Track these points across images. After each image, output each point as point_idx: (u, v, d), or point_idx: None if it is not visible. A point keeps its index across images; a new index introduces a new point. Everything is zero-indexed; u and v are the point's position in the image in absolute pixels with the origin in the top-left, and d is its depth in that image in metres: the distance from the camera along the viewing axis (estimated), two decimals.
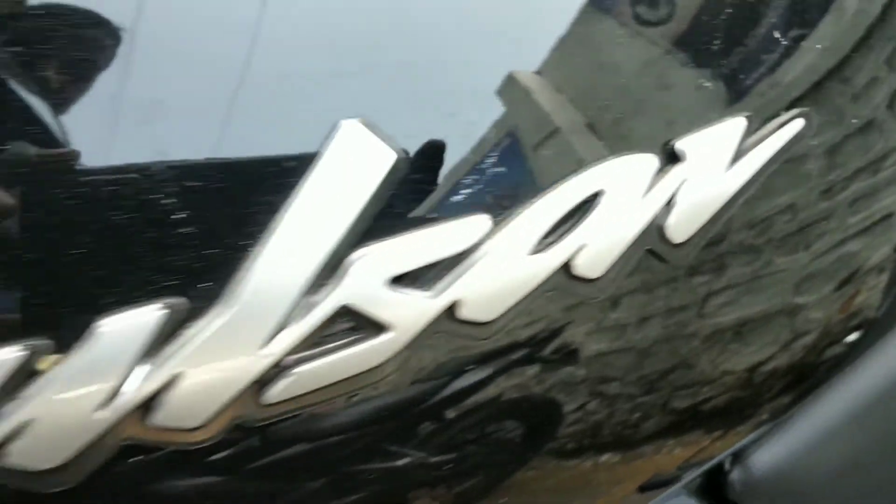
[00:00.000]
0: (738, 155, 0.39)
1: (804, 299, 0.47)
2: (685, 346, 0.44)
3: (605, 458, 0.45)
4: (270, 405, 0.30)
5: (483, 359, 0.37)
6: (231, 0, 0.30)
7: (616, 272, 0.36)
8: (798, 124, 0.40)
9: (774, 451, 0.59)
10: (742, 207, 0.41)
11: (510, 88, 0.34)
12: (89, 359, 0.26)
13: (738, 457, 0.59)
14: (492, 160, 0.34)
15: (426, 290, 0.31)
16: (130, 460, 0.29)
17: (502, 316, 0.34)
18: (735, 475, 0.59)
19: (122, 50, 0.27)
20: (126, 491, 0.31)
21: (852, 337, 0.52)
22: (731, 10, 0.39)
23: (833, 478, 0.60)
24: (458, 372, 0.36)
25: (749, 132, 0.39)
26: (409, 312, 0.31)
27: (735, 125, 0.38)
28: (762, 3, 0.40)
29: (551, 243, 0.34)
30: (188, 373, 0.27)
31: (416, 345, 0.32)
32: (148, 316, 0.27)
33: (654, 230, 0.37)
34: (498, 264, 0.32)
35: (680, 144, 0.36)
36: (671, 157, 0.36)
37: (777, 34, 0.41)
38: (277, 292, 0.29)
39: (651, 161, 0.36)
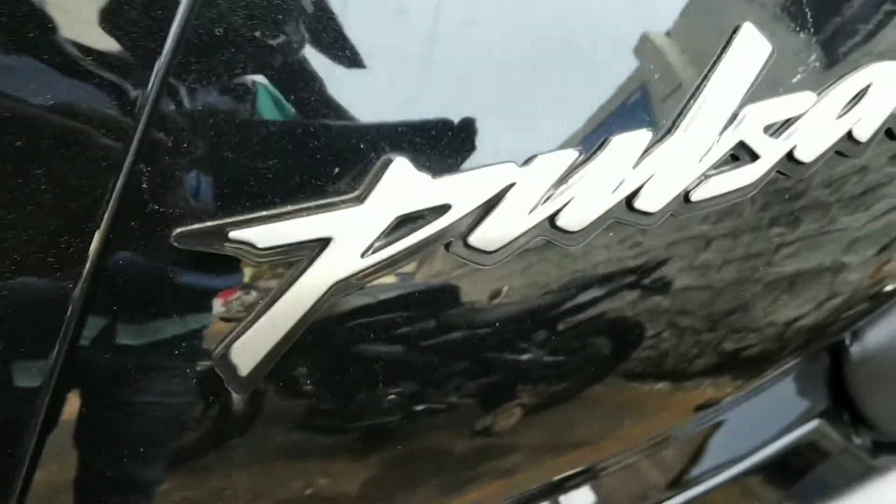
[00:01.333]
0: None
1: (850, 259, 0.51)
2: (749, 290, 0.47)
3: (659, 385, 0.49)
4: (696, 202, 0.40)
5: (599, 280, 0.41)
6: None
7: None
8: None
9: (886, 328, 0.63)
10: (824, 166, 0.45)
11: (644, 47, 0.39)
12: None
13: (856, 332, 0.64)
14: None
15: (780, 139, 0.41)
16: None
17: None
18: (854, 348, 0.63)
19: None
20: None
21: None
22: None
23: None
24: (581, 288, 0.41)
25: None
26: (774, 149, 0.41)
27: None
28: None
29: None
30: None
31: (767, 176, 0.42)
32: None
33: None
34: None
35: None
36: None
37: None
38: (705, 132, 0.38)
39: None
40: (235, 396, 0.36)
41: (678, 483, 0.61)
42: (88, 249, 0.31)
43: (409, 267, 0.36)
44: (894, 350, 0.63)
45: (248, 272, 0.33)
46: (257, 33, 0.31)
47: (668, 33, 0.39)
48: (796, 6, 0.41)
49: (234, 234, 0.32)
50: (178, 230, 0.32)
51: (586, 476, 0.54)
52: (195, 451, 0.38)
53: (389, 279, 0.36)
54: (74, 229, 0.31)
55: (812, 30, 0.41)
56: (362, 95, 0.34)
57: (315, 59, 0.32)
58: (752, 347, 0.51)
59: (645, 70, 0.38)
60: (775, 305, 0.50)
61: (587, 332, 0.43)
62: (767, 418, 0.63)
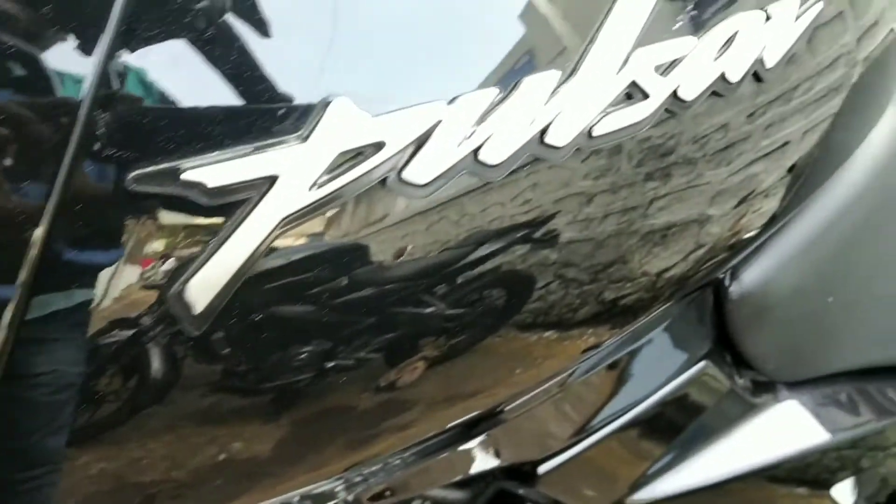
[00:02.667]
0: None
1: (713, 211, 0.55)
2: (626, 243, 0.51)
3: (547, 334, 0.52)
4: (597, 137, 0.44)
5: (495, 235, 0.44)
6: None
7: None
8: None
9: (759, 269, 0.69)
10: (690, 122, 0.49)
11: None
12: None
13: (734, 273, 0.69)
14: None
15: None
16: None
17: None
18: (732, 288, 0.69)
19: None
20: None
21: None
22: None
23: (789, 297, 0.71)
24: (478, 243, 0.44)
25: None
26: (662, 88, 0.45)
27: None
28: None
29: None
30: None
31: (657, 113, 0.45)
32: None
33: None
34: None
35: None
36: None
37: None
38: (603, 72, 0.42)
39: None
40: (153, 362, 0.37)
41: (577, 432, 0.65)
42: (53, 187, 0.32)
43: (320, 226, 0.38)
44: (768, 287, 0.69)
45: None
46: None
47: None
48: None
49: (186, 175, 0.33)
50: (134, 173, 0.33)
51: (485, 425, 0.58)
52: (110, 420, 0.38)
53: (301, 240, 0.38)
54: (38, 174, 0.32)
55: None
56: (300, 43, 0.36)
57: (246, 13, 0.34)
58: (629, 296, 0.56)
59: (549, 20, 0.42)
60: (649, 257, 0.54)
61: (484, 285, 0.46)
62: (658, 363, 0.68)
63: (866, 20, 0.61)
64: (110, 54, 0.32)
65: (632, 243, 0.52)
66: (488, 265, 0.45)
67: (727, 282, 0.68)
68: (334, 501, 0.55)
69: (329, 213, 0.38)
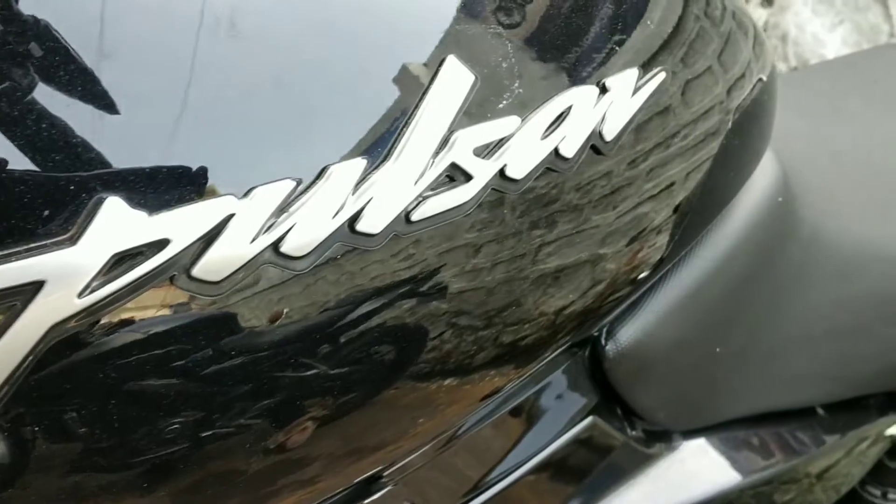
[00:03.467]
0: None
1: (606, 250, 0.56)
2: (519, 287, 0.51)
3: (447, 382, 0.52)
4: (417, 222, 0.43)
5: (377, 292, 0.43)
6: None
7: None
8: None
9: (635, 325, 0.69)
10: (574, 174, 0.50)
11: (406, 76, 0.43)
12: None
13: (610, 332, 0.68)
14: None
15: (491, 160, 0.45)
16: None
17: None
18: (609, 346, 0.68)
19: None
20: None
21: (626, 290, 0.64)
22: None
23: (671, 350, 0.71)
24: (358, 302, 0.43)
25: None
26: (486, 169, 0.45)
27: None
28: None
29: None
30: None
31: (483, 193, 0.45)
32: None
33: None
34: None
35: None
36: None
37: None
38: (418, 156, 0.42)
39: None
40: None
41: (476, 486, 0.65)
42: None
43: (181, 297, 0.37)
44: (647, 343, 0.70)
45: None
46: None
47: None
48: (497, 40, 0.46)
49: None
50: None
51: (390, 476, 0.57)
52: None
53: (160, 311, 0.36)
54: None
55: (513, 60, 0.46)
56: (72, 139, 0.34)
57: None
58: (528, 337, 0.56)
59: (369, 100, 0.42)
60: (544, 297, 0.54)
61: (370, 342, 0.45)
62: (557, 409, 0.68)
63: (733, 73, 0.64)
64: None
65: (524, 287, 0.52)
66: (373, 322, 0.44)
67: (602, 340, 0.69)
68: None
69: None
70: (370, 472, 0.53)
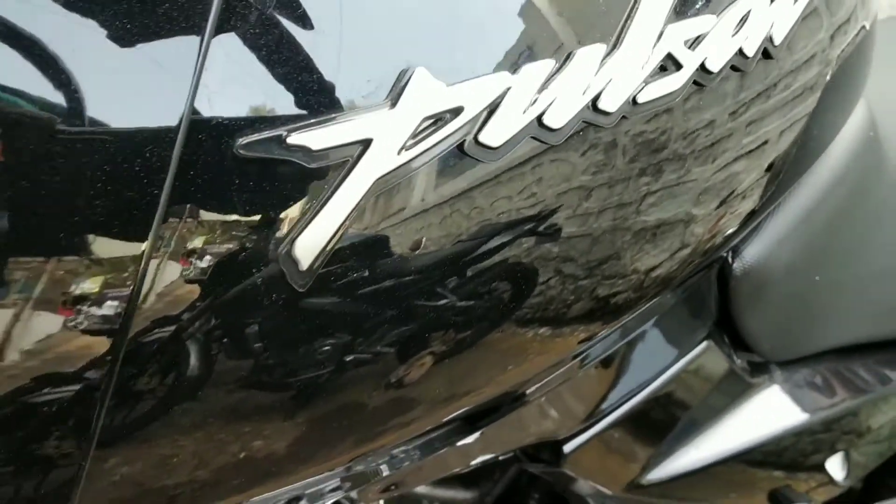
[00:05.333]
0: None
1: (698, 211, 0.58)
2: (620, 239, 0.54)
3: (541, 330, 0.55)
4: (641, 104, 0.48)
5: (504, 227, 0.46)
6: None
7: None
8: None
9: (757, 246, 0.74)
10: (681, 119, 0.51)
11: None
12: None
13: (736, 251, 0.73)
14: None
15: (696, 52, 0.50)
16: None
17: None
18: (736, 264, 0.73)
19: None
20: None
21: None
22: None
23: (783, 274, 0.76)
24: (488, 235, 0.46)
25: None
26: (693, 59, 0.49)
27: None
28: None
29: None
30: None
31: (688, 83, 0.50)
32: None
33: None
34: None
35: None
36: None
37: None
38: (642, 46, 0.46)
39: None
40: (190, 359, 0.39)
41: (594, 412, 0.69)
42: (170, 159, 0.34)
43: (353, 224, 0.40)
44: (766, 264, 0.74)
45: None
46: None
47: None
48: None
49: (291, 139, 0.36)
50: (241, 140, 0.35)
51: (504, 409, 0.61)
52: (146, 419, 0.40)
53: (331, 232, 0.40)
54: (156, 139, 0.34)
55: None
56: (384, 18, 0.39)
57: None
58: (619, 294, 0.58)
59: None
60: (640, 254, 0.56)
61: (492, 278, 0.48)
62: (663, 346, 0.72)
63: (839, 17, 0.64)
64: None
65: (625, 240, 0.54)
66: (496, 258, 0.47)
67: (731, 259, 0.73)
68: (342, 492, 0.58)
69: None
70: (466, 409, 0.57)
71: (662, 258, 0.58)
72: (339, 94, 0.37)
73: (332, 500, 0.59)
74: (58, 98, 0.32)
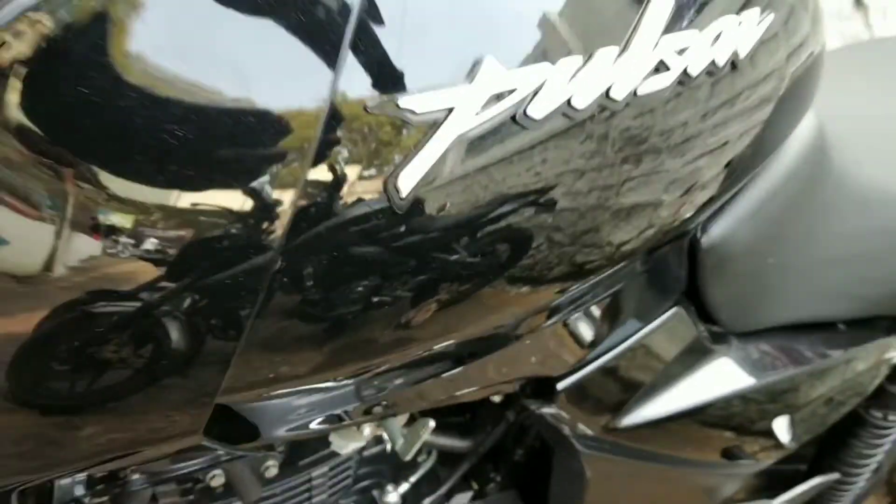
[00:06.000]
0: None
1: (666, 197, 0.67)
2: (601, 215, 0.62)
3: (524, 289, 0.64)
4: (641, 96, 0.58)
5: (512, 197, 0.55)
6: None
7: None
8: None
9: (722, 225, 0.85)
10: (662, 116, 0.61)
11: None
12: None
13: (704, 227, 0.84)
14: None
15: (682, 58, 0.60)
16: None
17: None
18: (703, 238, 0.85)
19: None
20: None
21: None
22: None
23: (742, 253, 0.86)
24: (499, 204, 0.55)
25: None
26: (678, 63, 0.59)
27: None
28: None
29: None
30: None
31: (676, 82, 0.60)
32: None
33: None
34: None
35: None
36: None
37: None
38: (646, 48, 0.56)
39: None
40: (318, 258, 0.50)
41: (578, 361, 0.79)
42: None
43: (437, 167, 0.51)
44: (729, 240, 0.84)
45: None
46: None
47: None
48: None
49: (401, 103, 0.47)
50: (369, 103, 0.46)
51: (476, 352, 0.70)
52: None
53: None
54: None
55: None
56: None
57: None
58: (593, 262, 0.67)
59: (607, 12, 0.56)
60: (615, 230, 0.65)
61: (497, 240, 0.57)
62: (639, 308, 0.82)
63: (794, 41, 0.73)
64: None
65: (604, 217, 0.63)
66: (502, 223, 0.56)
67: (699, 234, 0.82)
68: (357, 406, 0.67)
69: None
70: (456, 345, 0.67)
71: (632, 235, 0.67)
72: (434, 74, 0.48)
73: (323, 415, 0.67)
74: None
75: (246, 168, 0.45)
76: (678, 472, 1.02)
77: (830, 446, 1.27)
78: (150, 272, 0.45)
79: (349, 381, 0.62)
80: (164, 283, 0.46)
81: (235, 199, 0.45)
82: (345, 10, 0.45)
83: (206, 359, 0.50)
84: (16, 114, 0.40)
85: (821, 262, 0.94)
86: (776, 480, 1.23)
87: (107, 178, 0.42)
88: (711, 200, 0.74)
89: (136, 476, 0.66)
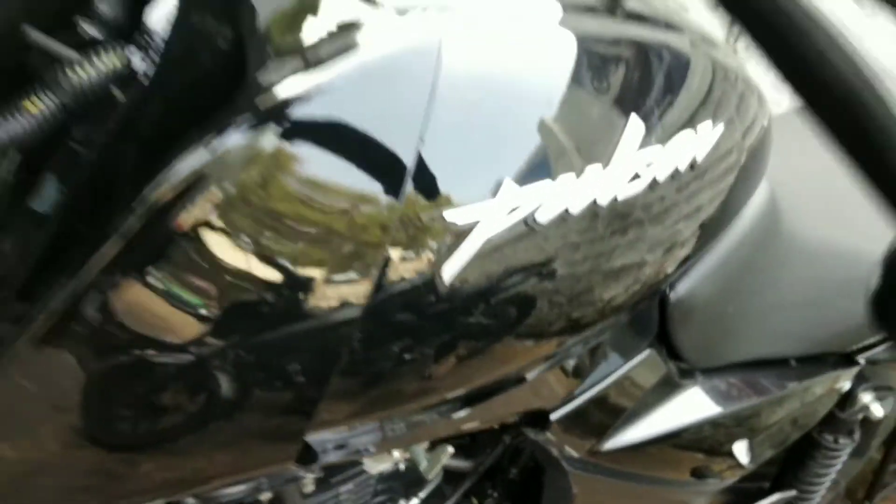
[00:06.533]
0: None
1: (649, 257, 0.74)
2: (594, 278, 0.70)
3: (528, 343, 0.73)
4: (621, 201, 0.68)
5: (521, 269, 0.65)
6: None
7: None
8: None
9: (686, 283, 0.95)
10: (646, 193, 0.69)
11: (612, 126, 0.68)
12: None
13: (672, 286, 0.94)
14: None
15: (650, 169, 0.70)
16: None
17: None
18: (672, 295, 0.95)
19: None
20: None
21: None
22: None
23: (705, 304, 0.97)
24: (509, 275, 0.64)
25: None
26: (648, 173, 0.70)
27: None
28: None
29: None
30: None
31: (644, 189, 0.70)
32: None
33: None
34: None
35: None
36: None
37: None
38: (622, 165, 0.67)
39: None
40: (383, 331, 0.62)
41: (568, 395, 0.88)
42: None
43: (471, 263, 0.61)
44: (691, 296, 0.95)
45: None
46: None
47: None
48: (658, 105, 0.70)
49: (446, 216, 0.58)
50: (423, 216, 0.58)
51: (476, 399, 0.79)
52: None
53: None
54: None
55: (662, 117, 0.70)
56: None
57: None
58: (587, 316, 0.75)
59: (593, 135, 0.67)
60: (605, 289, 0.73)
61: (507, 304, 0.66)
62: (618, 351, 0.93)
63: (746, 122, 0.82)
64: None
65: (597, 279, 0.71)
66: (511, 291, 0.65)
67: (668, 291, 0.93)
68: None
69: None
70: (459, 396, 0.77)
71: (620, 291, 0.75)
72: (469, 193, 0.59)
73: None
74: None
75: (342, 254, 0.57)
76: (654, 490, 1.13)
77: (789, 466, 1.35)
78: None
79: (387, 417, 0.73)
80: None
81: (333, 278, 0.57)
82: (408, 151, 0.57)
83: (294, 406, 0.62)
84: None
85: (774, 307, 1.04)
86: (742, 497, 1.32)
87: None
88: (687, 258, 0.83)
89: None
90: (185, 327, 0.54)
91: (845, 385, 1.24)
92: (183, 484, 0.64)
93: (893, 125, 0.31)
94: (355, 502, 0.99)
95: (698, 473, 1.16)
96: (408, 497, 1.05)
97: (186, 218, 0.51)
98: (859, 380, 1.25)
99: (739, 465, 1.17)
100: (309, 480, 0.89)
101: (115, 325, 0.52)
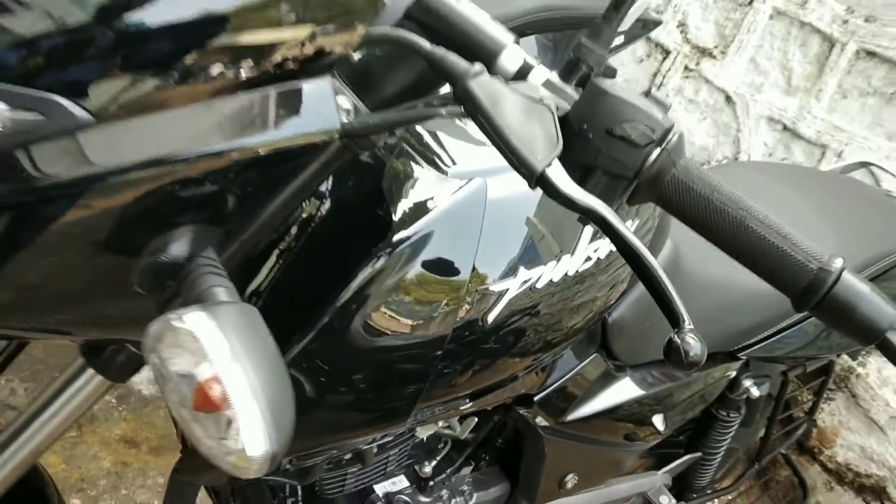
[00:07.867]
0: None
1: (600, 294, 0.99)
2: (564, 312, 0.95)
3: (518, 358, 0.98)
4: (578, 273, 0.98)
5: (517, 311, 0.98)
6: None
7: None
8: None
9: (619, 310, 1.21)
10: (595, 265, 1.03)
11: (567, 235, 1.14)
12: None
13: (610, 313, 1.16)
14: None
15: (595, 254, 1.05)
16: None
17: None
18: (609, 318, 1.21)
19: None
20: None
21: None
22: None
23: (631, 322, 1.23)
24: (512, 314, 1.03)
25: None
26: (594, 254, 1.01)
27: None
28: None
29: None
30: None
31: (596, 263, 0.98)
32: None
33: None
34: None
35: None
36: None
37: None
38: (579, 255, 0.98)
39: None
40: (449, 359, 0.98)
41: (543, 383, 1.21)
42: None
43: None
44: (622, 318, 1.23)
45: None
46: None
47: None
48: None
49: (490, 287, 0.85)
50: (478, 287, 0.87)
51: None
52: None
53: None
54: None
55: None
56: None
57: None
58: (558, 337, 0.97)
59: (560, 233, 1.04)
60: (570, 320, 0.96)
61: (514, 333, 0.90)
62: (576, 354, 1.25)
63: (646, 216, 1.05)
64: None
65: (564, 314, 0.94)
66: (517, 325, 0.90)
67: (607, 316, 1.19)
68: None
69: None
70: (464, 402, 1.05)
71: (580, 320, 0.99)
72: (501, 272, 0.84)
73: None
74: None
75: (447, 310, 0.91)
76: (600, 450, 1.38)
77: (696, 435, 1.66)
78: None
79: (434, 404, 1.02)
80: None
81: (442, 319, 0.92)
82: (469, 256, 0.91)
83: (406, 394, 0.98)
84: None
85: None
86: (663, 458, 1.61)
87: None
88: (623, 293, 1.10)
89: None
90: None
91: (732, 374, 1.53)
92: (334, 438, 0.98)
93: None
94: (397, 462, 1.28)
95: (629, 438, 1.42)
96: (429, 460, 1.30)
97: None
98: (743, 370, 1.55)
99: (658, 432, 1.46)
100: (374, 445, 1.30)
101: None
